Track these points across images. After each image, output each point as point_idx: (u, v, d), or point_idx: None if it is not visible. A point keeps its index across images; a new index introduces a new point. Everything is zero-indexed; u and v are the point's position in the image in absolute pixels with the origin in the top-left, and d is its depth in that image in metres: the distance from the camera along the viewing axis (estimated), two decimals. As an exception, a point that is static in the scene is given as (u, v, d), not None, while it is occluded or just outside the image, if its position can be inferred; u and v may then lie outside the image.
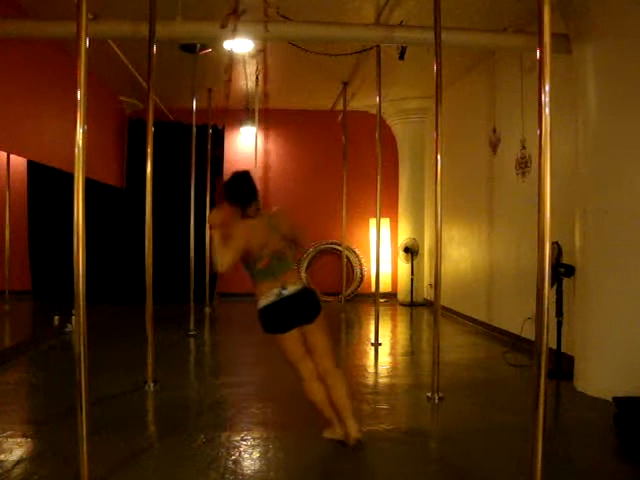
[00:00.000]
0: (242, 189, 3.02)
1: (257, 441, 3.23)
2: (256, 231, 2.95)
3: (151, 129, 4.29)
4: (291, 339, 2.98)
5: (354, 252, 9.84)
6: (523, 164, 5.93)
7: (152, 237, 4.36)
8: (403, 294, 9.46)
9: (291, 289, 2.96)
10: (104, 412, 3.63)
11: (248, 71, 7.46)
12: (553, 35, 2.33)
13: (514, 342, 5.67)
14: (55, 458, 2.94)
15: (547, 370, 2.27)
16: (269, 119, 9.48)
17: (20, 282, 8.34)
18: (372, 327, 6.19)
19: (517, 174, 6.05)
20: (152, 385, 4.23)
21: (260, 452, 3.07)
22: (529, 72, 5.61)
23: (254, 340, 6.60)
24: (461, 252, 7.86)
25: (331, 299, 9.55)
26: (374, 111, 7.32)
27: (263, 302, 2.96)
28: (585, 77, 4.27)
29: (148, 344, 4.25)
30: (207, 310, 8.03)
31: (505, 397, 4.26)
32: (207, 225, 3.05)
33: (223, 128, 9.51)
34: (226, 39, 4.91)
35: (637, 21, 3.94)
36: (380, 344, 5.90)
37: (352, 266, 9.83)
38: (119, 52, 6.34)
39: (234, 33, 4.46)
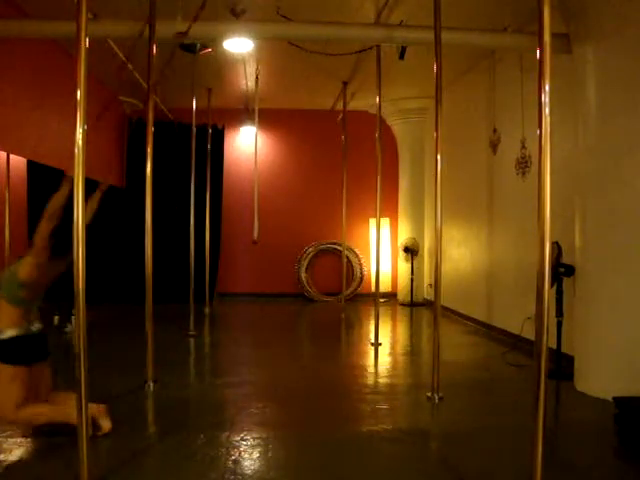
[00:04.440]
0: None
1: (257, 441, 3.22)
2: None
3: (151, 129, 4.29)
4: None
5: (354, 252, 9.84)
6: (523, 164, 5.93)
7: (152, 237, 4.36)
8: (403, 294, 9.46)
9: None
10: (104, 412, 3.63)
11: (248, 71, 7.46)
12: (553, 35, 2.33)
13: (514, 342, 5.68)
14: (55, 458, 2.93)
15: (547, 370, 2.27)
16: (269, 119, 9.47)
17: (20, 282, 8.32)
18: (372, 327, 6.19)
19: (517, 174, 6.05)
20: (152, 385, 4.23)
21: (260, 452, 3.07)
22: (529, 72, 5.62)
23: (254, 340, 6.63)
24: (461, 252, 7.86)
25: (331, 299, 9.57)
26: (374, 111, 7.32)
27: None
28: (585, 77, 4.27)
29: (148, 344, 4.25)
30: (207, 310, 8.02)
31: (505, 397, 4.26)
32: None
33: (223, 128, 9.52)
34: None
35: (637, 21, 3.94)
36: (380, 344, 5.90)
37: (352, 266, 9.83)
38: (119, 52, 6.33)
39: None
